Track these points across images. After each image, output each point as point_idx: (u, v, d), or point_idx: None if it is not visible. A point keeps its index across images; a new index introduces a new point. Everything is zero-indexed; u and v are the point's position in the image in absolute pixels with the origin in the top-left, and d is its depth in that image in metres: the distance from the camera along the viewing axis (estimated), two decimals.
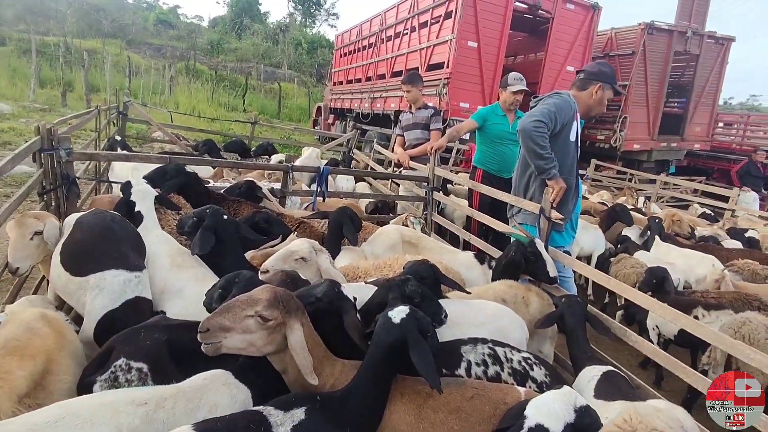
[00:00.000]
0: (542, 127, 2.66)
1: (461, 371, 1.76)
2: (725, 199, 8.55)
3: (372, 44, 12.23)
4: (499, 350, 1.86)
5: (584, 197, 6.56)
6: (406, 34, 10.18)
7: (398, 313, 1.51)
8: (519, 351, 1.92)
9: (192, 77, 21.93)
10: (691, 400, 2.70)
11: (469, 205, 4.19)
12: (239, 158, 5.75)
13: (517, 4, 8.51)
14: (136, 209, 2.55)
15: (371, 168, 6.22)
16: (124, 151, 3.83)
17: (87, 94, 13.84)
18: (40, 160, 2.64)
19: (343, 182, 5.49)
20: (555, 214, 2.72)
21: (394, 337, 1.47)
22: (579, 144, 2.97)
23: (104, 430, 1.13)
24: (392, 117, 10.58)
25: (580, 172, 10.34)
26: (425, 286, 1.97)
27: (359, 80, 13.06)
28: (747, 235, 6.02)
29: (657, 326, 3.50)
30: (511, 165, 4.44)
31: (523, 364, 1.84)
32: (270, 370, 1.53)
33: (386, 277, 2.36)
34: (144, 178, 2.85)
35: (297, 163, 5.60)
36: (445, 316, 1.90)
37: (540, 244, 2.65)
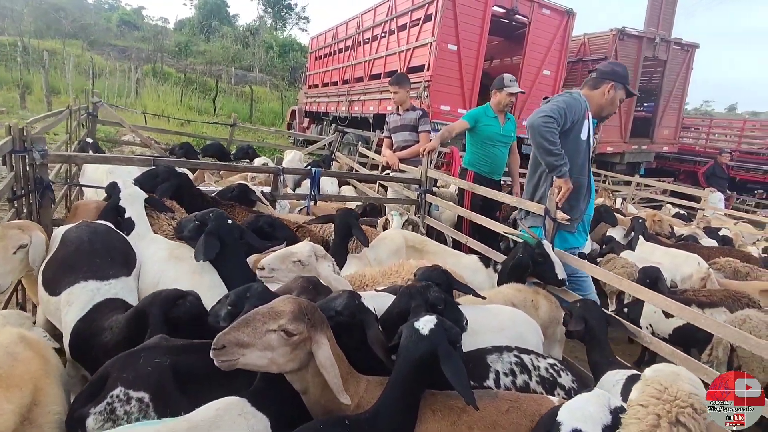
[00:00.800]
0: (551, 122, 2.58)
1: (490, 382, 1.66)
2: (693, 199, 8.90)
3: (348, 47, 12.11)
4: (525, 358, 1.77)
5: None
6: (384, 36, 10.11)
7: (426, 323, 1.39)
8: (544, 357, 1.84)
9: (159, 80, 21.22)
10: None
11: (460, 207, 4.13)
12: (218, 162, 5.50)
13: (495, 8, 8.58)
14: (127, 215, 2.38)
15: (355, 170, 6.09)
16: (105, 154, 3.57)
17: (47, 96, 13.11)
18: (11, 162, 2.38)
19: (327, 185, 5.34)
20: (561, 215, 2.67)
21: (424, 350, 1.35)
22: (591, 143, 2.91)
23: None
24: (371, 120, 10.50)
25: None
26: None
27: (335, 83, 12.91)
28: (721, 233, 6.24)
29: (651, 325, 3.52)
30: (501, 167, 4.42)
31: (551, 371, 1.75)
32: (288, 391, 1.38)
33: (395, 284, 2.25)
34: (135, 181, 2.65)
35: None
36: (466, 323, 1.80)
37: (548, 246, 2.60)
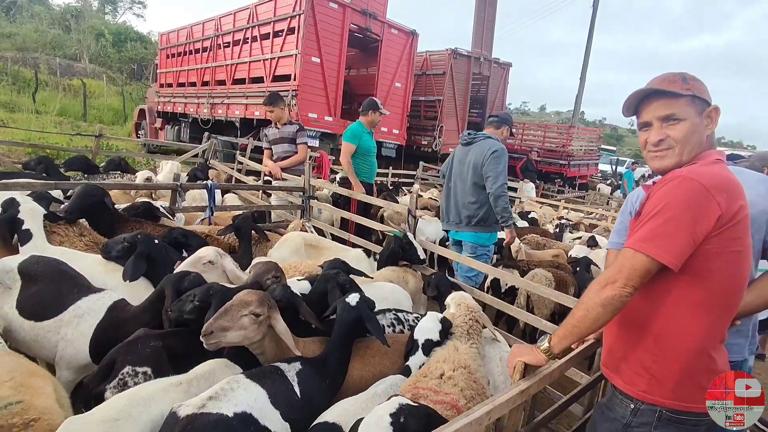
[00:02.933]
0: (507, 188, 3.61)
1: None
2: (511, 189, 11.22)
3: (206, 48, 11.86)
4: (400, 315, 2.64)
5: (419, 195, 7.97)
6: (246, 42, 10.29)
7: (353, 298, 2.12)
8: (411, 313, 2.73)
9: None
10: (533, 334, 3.95)
11: (347, 209, 4.89)
12: (85, 176, 5.28)
13: (351, 25, 9.55)
14: (24, 227, 2.56)
15: (235, 179, 6.40)
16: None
17: None
18: None
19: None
20: (419, 213, 3.65)
21: (354, 315, 2.06)
22: None
23: (163, 404, 1.49)
24: (237, 124, 10.56)
25: (410, 173, 11.95)
26: None
27: (194, 84, 12.48)
28: (530, 216, 8.24)
29: (489, 286, 4.80)
30: (375, 172, 5.35)
31: (416, 321, 2.64)
32: (248, 355, 1.97)
33: (295, 277, 2.90)
34: (69, 208, 2.82)
35: (159, 177, 5.49)
36: None
37: (411, 236, 3.55)
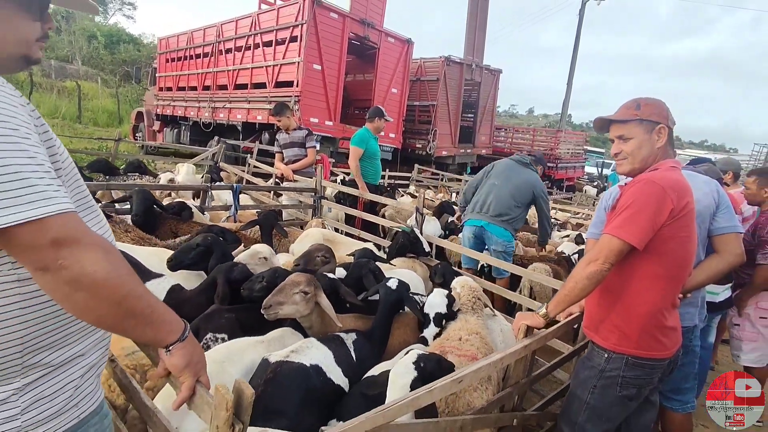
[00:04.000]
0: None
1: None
2: None
3: (207, 54, 12.18)
4: (417, 297, 3.08)
5: (412, 195, 8.44)
6: (249, 49, 10.65)
7: (393, 282, 2.55)
8: (425, 296, 3.17)
9: None
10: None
11: (354, 208, 5.32)
12: (106, 178, 5.64)
13: (350, 33, 9.99)
14: None
15: (246, 181, 6.78)
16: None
17: None
18: None
19: (227, 195, 5.97)
20: (425, 211, 4.10)
21: (395, 297, 2.49)
22: None
23: (253, 355, 1.92)
24: (239, 128, 10.92)
25: (406, 175, 12.39)
26: None
27: (194, 88, 12.79)
28: None
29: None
30: (380, 174, 5.80)
31: None
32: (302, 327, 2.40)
33: None
34: (137, 212, 3.24)
35: (178, 179, 5.87)
36: None
37: (417, 231, 4.01)
